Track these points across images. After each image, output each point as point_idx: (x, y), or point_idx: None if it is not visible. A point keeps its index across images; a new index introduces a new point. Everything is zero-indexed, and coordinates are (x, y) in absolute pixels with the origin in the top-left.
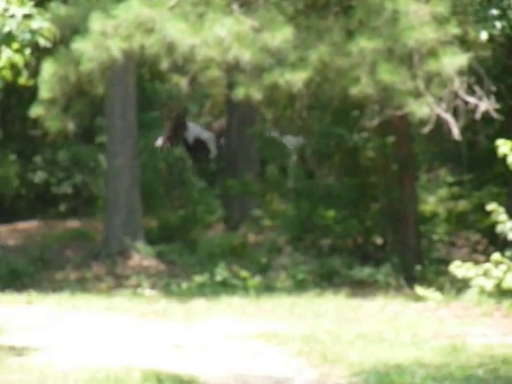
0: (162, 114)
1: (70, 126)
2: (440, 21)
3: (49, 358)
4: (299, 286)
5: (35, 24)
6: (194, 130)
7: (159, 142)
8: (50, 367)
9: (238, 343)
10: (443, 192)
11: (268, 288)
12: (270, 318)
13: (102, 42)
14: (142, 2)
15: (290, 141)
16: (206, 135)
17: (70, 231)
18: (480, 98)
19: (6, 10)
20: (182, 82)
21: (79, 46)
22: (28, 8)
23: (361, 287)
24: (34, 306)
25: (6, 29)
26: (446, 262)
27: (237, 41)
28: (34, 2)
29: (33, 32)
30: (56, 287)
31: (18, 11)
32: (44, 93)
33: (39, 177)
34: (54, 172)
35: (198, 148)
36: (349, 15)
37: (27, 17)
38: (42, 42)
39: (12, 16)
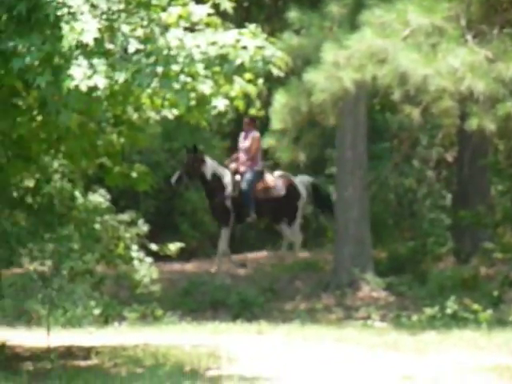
0: (392, 145)
1: (301, 156)
2: None
3: None
4: None
5: (268, 52)
6: (212, 164)
7: (174, 177)
8: None
9: (469, 376)
10: None
11: (500, 321)
12: (502, 351)
13: (334, 73)
14: (374, 33)
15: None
16: (222, 171)
17: (299, 262)
18: None
19: (238, 41)
20: (414, 113)
21: (311, 76)
22: (260, 40)
23: None
24: (264, 336)
25: (239, 60)
26: None
27: (470, 71)
28: (266, 33)
29: (265, 61)
30: (286, 318)
31: (251, 43)
32: (275, 123)
33: None
34: None
35: (214, 184)
36: None
37: (259, 48)
38: (275, 72)
39: (244, 47)
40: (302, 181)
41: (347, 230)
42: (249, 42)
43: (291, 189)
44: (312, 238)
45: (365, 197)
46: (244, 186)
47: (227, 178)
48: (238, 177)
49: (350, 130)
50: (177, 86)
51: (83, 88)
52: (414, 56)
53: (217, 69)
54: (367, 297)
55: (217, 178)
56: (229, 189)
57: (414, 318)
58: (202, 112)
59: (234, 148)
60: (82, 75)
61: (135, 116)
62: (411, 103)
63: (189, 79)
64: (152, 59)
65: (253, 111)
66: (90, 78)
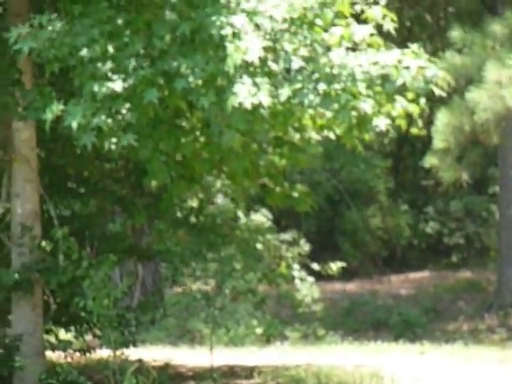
0: None
1: (464, 176)
2: None
3: None
4: None
5: (429, 72)
6: None
7: None
8: None
9: None
10: None
11: None
12: None
13: (496, 92)
14: None
15: None
16: None
17: (461, 282)
18: None
19: (400, 61)
20: None
21: (474, 95)
22: (423, 60)
23: None
24: (426, 356)
25: (400, 80)
26: None
27: None
28: (428, 52)
29: (426, 81)
30: (448, 338)
31: (413, 63)
32: (438, 143)
33: (431, 227)
34: (445, 222)
35: None
36: None
37: (421, 68)
38: (437, 92)
39: (406, 67)
40: None
41: (510, 249)
42: (411, 62)
43: None
44: (474, 258)
45: None
46: None
47: None
48: None
49: None
50: (337, 105)
51: (247, 105)
52: None
53: (378, 88)
54: None
55: None
56: None
57: None
58: (362, 131)
59: (395, 167)
60: (246, 93)
61: (297, 137)
62: None
63: (350, 98)
64: (314, 77)
65: (415, 130)
66: (254, 95)
